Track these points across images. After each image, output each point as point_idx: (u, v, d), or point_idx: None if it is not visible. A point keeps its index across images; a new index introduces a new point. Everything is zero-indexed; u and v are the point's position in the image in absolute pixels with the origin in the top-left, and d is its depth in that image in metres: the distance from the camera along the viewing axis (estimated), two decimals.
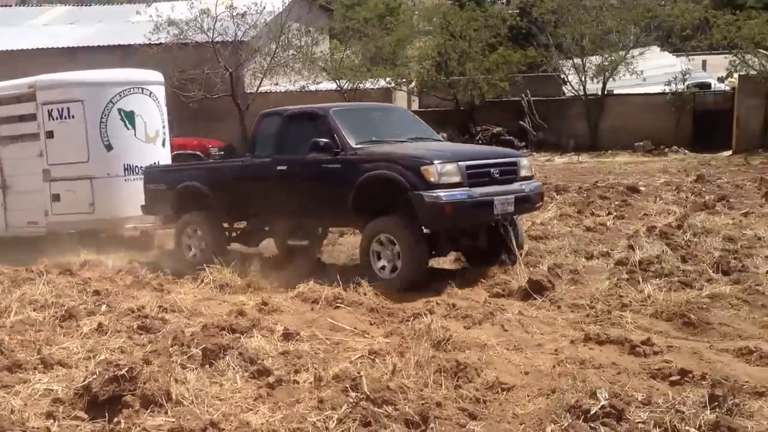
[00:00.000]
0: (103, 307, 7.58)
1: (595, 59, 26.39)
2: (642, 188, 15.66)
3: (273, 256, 10.45)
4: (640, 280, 7.78)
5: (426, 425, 4.41)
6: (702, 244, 9.47)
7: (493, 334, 6.27)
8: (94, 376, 4.95)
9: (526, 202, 8.71)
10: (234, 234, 10.46)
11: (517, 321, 6.63)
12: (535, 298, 7.39)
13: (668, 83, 25.35)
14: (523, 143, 24.74)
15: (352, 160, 8.59)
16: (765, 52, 23.88)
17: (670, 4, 27.38)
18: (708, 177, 17.32)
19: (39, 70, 13.00)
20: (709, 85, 26.58)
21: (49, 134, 11.70)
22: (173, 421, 4.60)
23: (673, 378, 5.05)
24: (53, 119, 11.68)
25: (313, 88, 25.26)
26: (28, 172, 11.87)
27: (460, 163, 8.17)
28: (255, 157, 9.64)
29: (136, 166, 11.66)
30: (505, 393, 4.98)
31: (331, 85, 25.47)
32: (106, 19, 29.68)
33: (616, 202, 13.81)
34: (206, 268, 8.95)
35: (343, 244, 10.88)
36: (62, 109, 11.63)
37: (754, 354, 5.51)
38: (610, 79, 25.96)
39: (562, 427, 4.29)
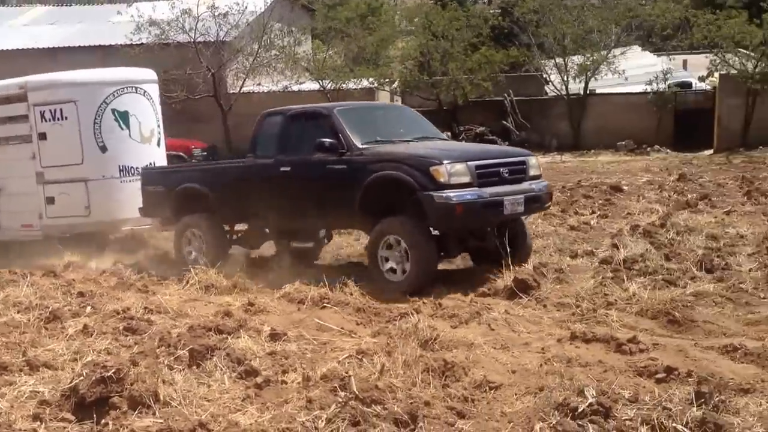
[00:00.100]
0: (88, 309, 7.55)
1: (577, 59, 26.52)
2: (625, 187, 15.77)
3: (257, 257, 10.43)
4: (625, 278, 7.84)
5: (415, 424, 4.42)
6: (685, 242, 9.55)
7: (479, 333, 6.29)
8: (81, 378, 4.93)
9: (536, 202, 8.61)
10: (234, 236, 10.29)
11: (504, 320, 6.65)
12: (521, 297, 7.43)
13: (649, 83, 25.52)
14: (507, 143, 24.81)
15: (359, 160, 8.45)
16: (745, 51, 24.10)
17: (651, 4, 27.56)
18: (690, 176, 17.47)
19: (19, 71, 12.84)
20: (690, 85, 26.79)
21: (42, 136, 11.47)
22: (161, 422, 4.58)
23: (659, 375, 5.09)
24: (46, 120, 11.45)
25: (296, 88, 25.19)
26: (20, 175, 11.63)
27: (469, 162, 8.07)
28: (257, 158, 9.47)
29: (132, 168, 11.46)
30: (492, 392, 5.00)
31: (314, 86, 25.43)
32: (87, 20, 29.47)
33: (600, 201, 13.91)
34: (191, 270, 8.92)
35: (329, 245, 10.87)
36: (55, 110, 11.42)
37: (739, 351, 5.56)
38: (592, 78, 26.11)
39: (551, 425, 4.31)
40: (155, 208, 10.61)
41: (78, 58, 21.84)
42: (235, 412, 4.87)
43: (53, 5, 33.00)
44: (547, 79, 27.70)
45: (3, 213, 11.98)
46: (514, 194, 8.22)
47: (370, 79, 25.24)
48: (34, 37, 27.41)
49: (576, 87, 26.37)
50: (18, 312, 7.30)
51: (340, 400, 4.58)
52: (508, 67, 26.62)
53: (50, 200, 11.48)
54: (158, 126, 12.24)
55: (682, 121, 24.88)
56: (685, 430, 4.13)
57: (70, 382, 4.96)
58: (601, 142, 24.91)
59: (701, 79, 26.23)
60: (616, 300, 7.11)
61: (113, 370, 4.96)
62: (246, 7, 24.73)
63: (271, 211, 9.26)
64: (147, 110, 12.02)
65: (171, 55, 23.75)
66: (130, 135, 11.71)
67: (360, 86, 24.65)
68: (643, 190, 15.51)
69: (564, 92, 26.31)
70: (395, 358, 5.38)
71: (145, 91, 12.02)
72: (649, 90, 25.49)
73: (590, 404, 4.37)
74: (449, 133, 10.19)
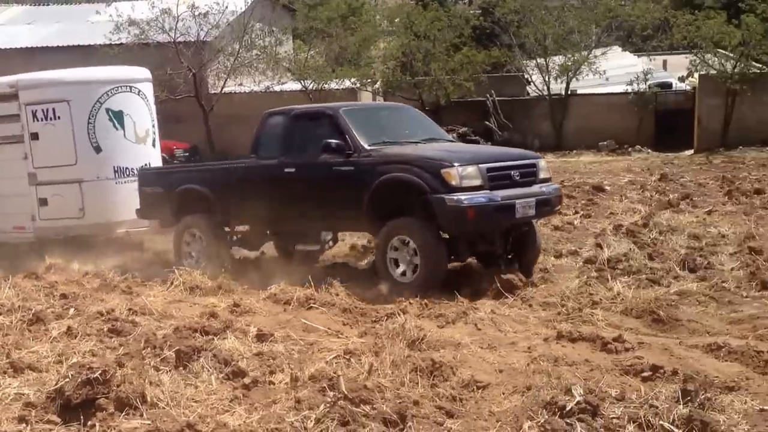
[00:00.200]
0: (72, 311, 7.49)
1: (558, 59, 26.65)
2: (607, 187, 15.88)
3: (241, 258, 10.39)
4: (609, 278, 7.91)
5: (404, 424, 4.42)
6: (668, 241, 9.64)
7: (466, 333, 6.31)
8: (67, 380, 4.89)
9: (547, 206, 8.49)
10: (235, 238, 10.10)
11: (490, 320, 6.68)
12: (507, 297, 7.46)
13: (630, 83, 25.69)
14: (489, 143, 24.89)
15: (366, 162, 8.31)
16: (724, 52, 24.32)
17: (631, 4, 27.74)
18: (671, 176, 17.62)
19: None
20: (670, 85, 26.99)
21: (34, 136, 11.22)
22: (149, 424, 4.57)
23: (645, 374, 5.13)
24: (38, 120, 11.21)
25: (278, 88, 25.14)
26: (12, 176, 11.36)
27: (480, 165, 7.97)
28: (260, 159, 9.28)
29: (127, 168, 11.26)
30: (480, 391, 5.02)
31: (296, 86, 25.39)
32: (65, 19, 29.22)
33: (583, 201, 14.00)
34: (175, 271, 8.87)
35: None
36: (47, 110, 11.17)
37: (723, 350, 5.62)
38: (574, 79, 26.23)
39: (539, 424, 4.33)
40: (153, 210, 10.37)
41: (56, 59, 21.62)
42: (223, 413, 4.86)
43: (30, 5, 32.67)
44: (529, 79, 27.81)
45: None
46: (526, 197, 8.11)
47: (352, 80, 25.23)
48: (11, 37, 27.14)
49: (557, 87, 26.49)
50: (0, 314, 7.23)
51: (329, 400, 4.58)
52: (490, 67, 26.70)
53: (43, 202, 11.25)
54: (153, 126, 12.00)
55: (663, 122, 25.06)
56: (672, 427, 4.16)
57: (56, 384, 4.92)
58: (582, 143, 25.05)
59: (681, 79, 26.45)
60: (601, 299, 7.16)
61: (99, 372, 4.93)
62: (226, 7, 24.65)
63: (274, 212, 9.10)
64: (142, 110, 11.78)
65: (151, 55, 23.57)
66: (124, 135, 11.48)
67: (342, 86, 24.63)
68: (625, 190, 15.62)
69: (546, 92, 26.43)
70: (383, 358, 5.38)
71: (139, 91, 11.79)
72: (629, 90, 25.65)
73: (578, 403, 4.40)
74: (455, 135, 10.00)
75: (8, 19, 30.44)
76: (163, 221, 10.41)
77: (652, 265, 8.57)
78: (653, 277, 8.06)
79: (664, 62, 30.84)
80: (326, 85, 24.77)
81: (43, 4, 32.77)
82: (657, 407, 4.33)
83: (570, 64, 25.96)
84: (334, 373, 5.01)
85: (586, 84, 26.81)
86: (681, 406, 4.32)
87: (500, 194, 7.93)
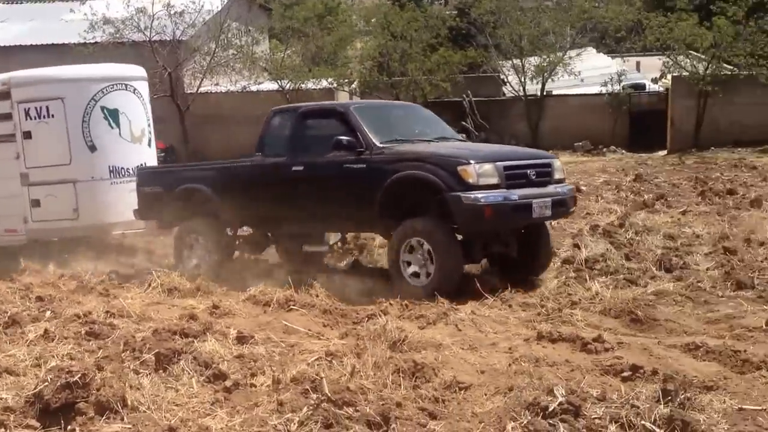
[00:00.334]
0: (48, 313, 7.38)
1: (534, 60, 26.81)
2: (583, 188, 15.98)
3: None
4: (588, 278, 7.98)
5: (387, 426, 4.42)
6: (644, 242, 9.72)
7: (447, 334, 6.32)
8: (46, 384, 4.83)
9: (562, 206, 8.36)
10: (238, 240, 9.77)
11: (471, 320, 6.70)
12: (487, 298, 7.48)
13: (605, 84, 25.91)
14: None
15: (379, 160, 8.11)
16: (696, 53, 24.61)
17: (604, 6, 27.98)
18: (646, 176, 17.78)
19: None
20: (643, 86, 27.28)
21: (27, 135, 10.92)
22: (130, 428, 4.53)
23: (624, 374, 5.17)
24: (31, 119, 10.90)
25: (254, 88, 25.07)
26: (4, 176, 11.05)
27: (497, 163, 7.81)
28: (266, 157, 9.00)
29: (122, 168, 11.01)
30: (463, 392, 5.02)
31: (273, 86, 25.31)
32: (39, 18, 28.88)
33: None
34: (153, 273, 8.80)
35: None
36: (40, 108, 10.86)
37: (701, 349, 5.68)
38: (549, 79, 26.41)
39: (522, 425, 4.35)
40: (152, 210, 10.03)
41: (30, 57, 21.39)
42: (204, 416, 4.82)
43: (3, 3, 32.25)
44: (505, 80, 27.96)
45: None
46: (542, 197, 7.97)
47: (329, 80, 25.21)
48: None
49: (533, 88, 26.66)
50: None
51: (312, 402, 4.57)
52: (466, 68, 26.82)
53: (36, 203, 10.95)
54: (149, 125, 11.75)
55: (637, 122, 25.32)
56: (654, 427, 4.20)
57: (35, 388, 4.85)
58: (558, 143, 25.20)
59: (654, 80, 26.74)
60: (579, 299, 7.22)
61: (78, 376, 4.87)
62: (202, 6, 24.52)
63: (281, 213, 8.88)
64: (137, 108, 11.53)
65: (126, 54, 23.34)
66: (120, 134, 11.22)
67: (319, 86, 24.60)
68: (600, 190, 15.75)
69: (521, 93, 26.58)
70: (365, 359, 5.38)
71: (135, 89, 11.54)
72: (604, 91, 25.88)
73: (560, 403, 4.42)
74: (464, 135, 9.82)
75: None
76: (163, 222, 10.12)
77: (629, 265, 8.65)
78: (630, 277, 8.14)
79: (638, 64, 31.16)
80: (303, 85, 24.73)
81: (16, 2, 32.35)
82: (638, 407, 4.36)
83: (545, 65, 26.14)
84: (317, 375, 5.00)
85: (561, 85, 27.01)
86: (662, 406, 4.36)
87: (517, 193, 7.79)
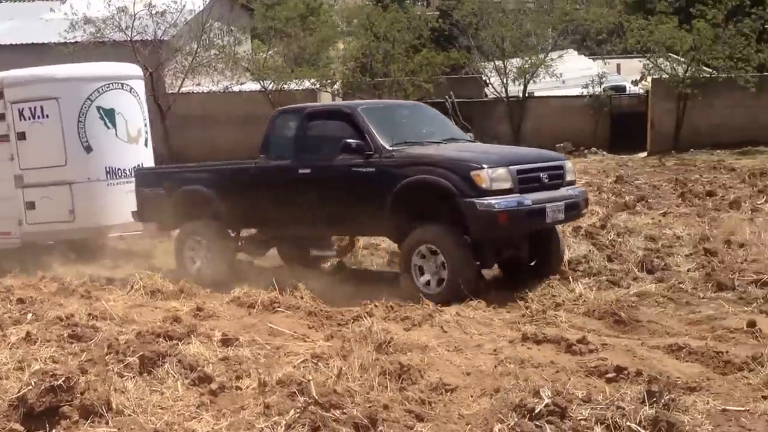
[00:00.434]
0: (30, 316, 7.34)
1: (516, 62, 26.92)
2: None
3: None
4: (571, 279, 8.01)
5: (375, 428, 4.43)
6: (626, 243, 9.78)
7: (433, 336, 6.33)
8: (29, 387, 4.79)
9: (575, 209, 8.25)
10: (240, 243, 9.59)
11: (455, 322, 6.72)
12: (471, 299, 7.50)
13: (586, 86, 26.07)
14: None
15: (389, 163, 7.96)
16: (676, 56, 24.82)
17: (585, 9, 28.15)
18: (626, 178, 17.90)
19: None
20: (624, 88, 27.48)
21: (21, 136, 10.74)
22: (116, 431, 4.50)
23: (609, 375, 5.21)
24: (25, 119, 10.72)
25: (236, 88, 24.99)
26: None
27: (511, 167, 7.68)
28: (271, 159, 8.84)
29: (119, 169, 10.85)
30: (449, 394, 5.04)
31: (255, 86, 25.24)
32: (18, 17, 28.62)
33: None
34: (136, 274, 8.75)
35: None
36: (35, 108, 10.68)
37: (683, 350, 5.74)
38: (531, 81, 26.53)
39: (509, 427, 4.37)
40: (152, 212, 9.82)
41: (10, 57, 21.20)
42: (190, 419, 4.80)
43: None
44: (487, 81, 28.05)
45: None
46: (555, 201, 7.86)
47: (312, 80, 25.18)
48: None
49: (515, 89, 26.77)
50: None
51: (299, 405, 4.56)
52: (449, 69, 26.87)
53: (30, 205, 10.77)
54: (145, 125, 11.59)
55: (617, 124, 25.48)
56: (639, 429, 4.24)
57: (18, 392, 4.81)
58: (540, 144, 25.15)
59: (635, 83, 26.93)
60: (563, 301, 7.27)
61: (63, 379, 4.84)
62: (184, 6, 24.41)
63: (286, 215, 8.72)
64: (134, 108, 11.36)
65: (107, 54, 23.20)
66: (116, 134, 11.06)
67: (302, 87, 24.57)
68: None
69: (504, 95, 26.68)
70: (351, 361, 5.37)
71: (131, 88, 11.37)
72: (585, 93, 26.03)
73: (546, 405, 4.44)
74: (472, 135, 9.71)
75: None
76: (163, 224, 9.94)
77: (612, 266, 8.71)
78: (613, 278, 8.20)
79: (618, 66, 31.40)
80: (285, 86, 24.68)
81: None
82: (624, 408, 4.40)
83: (527, 66, 26.25)
84: (303, 377, 4.99)
85: (543, 86, 27.15)
86: (647, 408, 4.40)
87: (531, 198, 7.67)
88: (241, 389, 5.24)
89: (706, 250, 9.07)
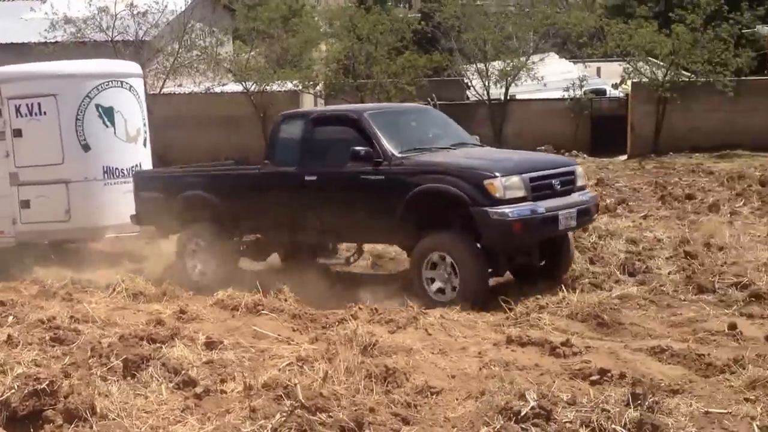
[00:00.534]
0: (10, 319, 7.31)
1: (498, 64, 27.01)
2: None
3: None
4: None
5: (361, 431, 4.44)
6: (607, 246, 9.84)
7: (417, 339, 6.34)
8: (12, 391, 4.78)
9: (586, 215, 8.24)
10: (241, 248, 9.41)
11: (440, 324, 6.73)
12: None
13: (567, 89, 26.21)
14: None
15: (399, 171, 7.89)
16: (655, 60, 25.01)
17: (566, 12, 28.30)
18: (607, 181, 18.00)
19: None
20: (604, 92, 27.64)
21: (17, 133, 10.52)
22: None
23: (593, 378, 5.25)
24: (21, 116, 10.51)
25: (218, 89, 24.89)
26: None
27: (524, 175, 7.62)
28: (276, 165, 8.71)
29: (117, 169, 10.69)
30: (434, 397, 5.07)
31: (238, 87, 25.15)
32: None
33: None
34: (118, 277, 8.70)
35: None
36: (32, 105, 10.49)
37: (666, 353, 5.79)
38: (513, 84, 26.62)
39: (495, 429, 4.40)
40: (151, 216, 9.64)
41: None
42: (175, 423, 4.79)
43: None
44: (469, 83, 28.12)
45: None
46: (568, 208, 7.83)
47: (294, 82, 25.14)
48: None
49: (497, 92, 26.85)
50: None
51: (286, 409, 4.56)
52: (431, 71, 26.91)
53: (25, 204, 10.56)
54: (144, 124, 11.42)
55: (598, 127, 25.61)
56: (624, 431, 4.27)
57: (1, 395, 4.78)
58: (522, 147, 25.18)
59: (615, 86, 27.12)
60: (547, 303, 7.29)
61: (46, 383, 4.83)
62: (166, 6, 24.27)
63: (292, 223, 8.62)
64: (133, 107, 11.17)
65: (88, 54, 23.03)
66: (115, 133, 10.86)
67: (284, 88, 24.52)
68: None
69: (485, 97, 26.76)
70: (337, 365, 5.38)
71: (131, 86, 11.19)
72: (566, 96, 26.17)
73: (532, 408, 4.48)
74: (477, 137, 9.65)
75: None
76: (162, 229, 9.75)
77: (594, 269, 8.77)
78: (595, 281, 8.26)
79: (598, 69, 31.57)
80: (268, 87, 24.62)
81: None
82: (608, 411, 4.43)
83: (509, 69, 26.34)
84: (289, 381, 4.99)
85: (524, 89, 27.24)
86: (631, 410, 4.44)
87: (544, 205, 7.63)
88: (226, 393, 5.23)
89: (687, 253, 9.15)
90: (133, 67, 11.87)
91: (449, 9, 27.10)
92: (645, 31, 24.46)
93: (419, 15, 31.39)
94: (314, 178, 8.38)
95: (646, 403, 4.51)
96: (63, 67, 11.30)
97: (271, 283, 8.21)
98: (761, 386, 4.95)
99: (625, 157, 24.23)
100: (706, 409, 4.68)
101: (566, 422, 4.42)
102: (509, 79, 26.31)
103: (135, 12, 23.88)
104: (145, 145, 11.43)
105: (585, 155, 24.78)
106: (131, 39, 24.12)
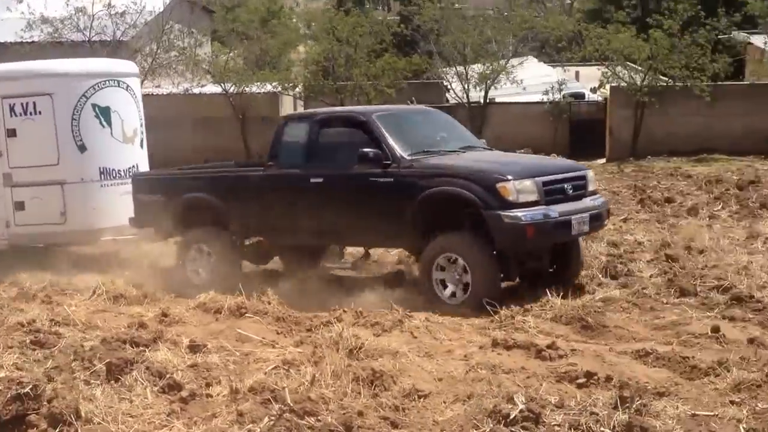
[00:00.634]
0: None
1: (477, 68, 27.09)
2: None
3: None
4: (537, 285, 8.05)
5: None
6: (589, 249, 9.87)
7: (403, 341, 6.32)
8: None
9: (598, 220, 8.14)
10: (243, 251, 9.20)
11: (425, 327, 6.72)
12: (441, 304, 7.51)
13: (546, 93, 26.35)
14: None
15: (408, 174, 7.76)
16: (633, 65, 25.22)
17: (544, 17, 28.45)
18: None
19: None
20: (583, 95, 27.82)
21: (11, 132, 10.31)
22: None
23: (579, 381, 5.26)
24: (16, 115, 10.30)
25: (197, 91, 24.76)
26: None
27: (537, 178, 7.54)
28: (281, 167, 8.56)
29: (113, 170, 10.48)
30: (422, 400, 5.05)
31: (216, 89, 25.04)
32: None
33: None
34: (99, 280, 8.60)
35: None
36: (27, 104, 10.27)
37: (651, 356, 5.80)
38: (492, 87, 26.71)
39: None
40: (151, 219, 9.41)
41: None
42: (161, 428, 4.75)
43: None
44: (449, 87, 28.18)
45: None
46: (580, 212, 7.77)
47: (273, 84, 25.07)
48: None
49: (476, 95, 26.93)
50: None
51: (274, 412, 4.53)
52: (411, 74, 26.94)
53: (19, 205, 10.33)
54: (141, 125, 11.22)
55: (577, 131, 25.77)
56: None
57: None
58: (501, 150, 25.47)
59: (593, 90, 27.29)
60: (531, 306, 7.30)
61: (30, 387, 4.76)
62: (144, 7, 24.12)
63: (297, 225, 8.45)
64: (130, 107, 10.98)
65: (65, 54, 22.79)
66: (111, 133, 10.66)
67: (263, 90, 24.44)
68: None
69: (465, 100, 26.83)
70: (323, 368, 5.35)
71: (128, 86, 11.00)
72: (545, 100, 26.31)
73: (521, 411, 4.47)
74: (485, 141, 9.59)
75: None
76: (161, 232, 9.51)
77: None
78: (578, 284, 8.29)
79: (577, 73, 31.78)
80: (247, 89, 24.53)
81: None
82: (597, 414, 4.44)
83: (488, 72, 26.43)
84: (276, 384, 4.96)
85: (504, 93, 27.34)
86: (620, 413, 4.45)
87: (556, 210, 7.56)
88: (212, 396, 5.18)
89: (668, 256, 9.21)
90: (131, 66, 11.73)
91: (428, 12, 27.15)
92: (623, 36, 24.65)
93: (398, 18, 31.40)
94: (320, 180, 8.26)
95: (634, 406, 4.53)
96: (59, 66, 11.11)
97: (273, 286, 8.11)
98: (746, 389, 4.99)
99: (603, 160, 24.39)
100: (692, 412, 4.70)
101: (555, 425, 4.43)
102: (488, 82, 26.41)
103: (113, 12, 23.70)
104: (142, 146, 11.24)
105: (564, 159, 24.91)
106: (109, 39, 23.93)
